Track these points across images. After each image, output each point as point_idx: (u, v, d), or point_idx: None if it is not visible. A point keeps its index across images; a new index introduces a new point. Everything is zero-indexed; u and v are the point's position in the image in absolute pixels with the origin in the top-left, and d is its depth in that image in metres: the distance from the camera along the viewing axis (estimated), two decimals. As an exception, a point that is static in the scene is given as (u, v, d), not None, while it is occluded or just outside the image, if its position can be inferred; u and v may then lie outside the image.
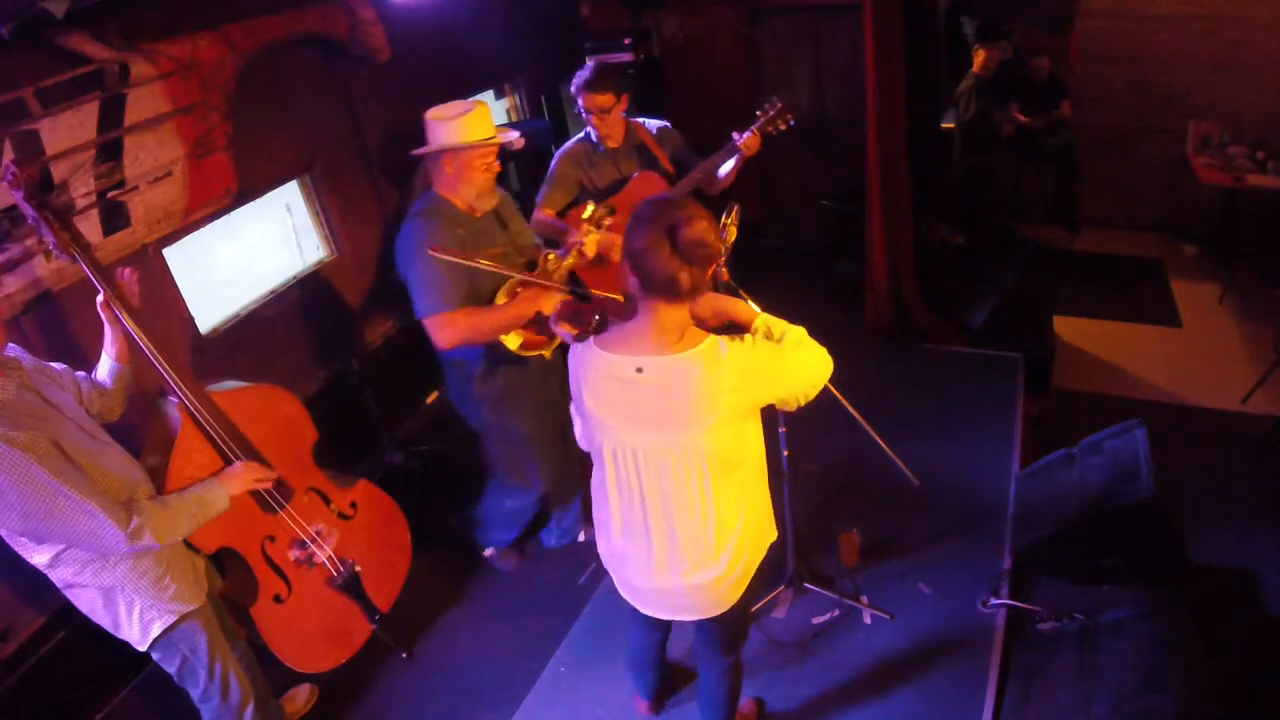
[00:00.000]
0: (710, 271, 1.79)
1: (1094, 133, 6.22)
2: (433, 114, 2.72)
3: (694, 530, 1.92)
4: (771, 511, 2.11)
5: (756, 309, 2.04)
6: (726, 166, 3.40)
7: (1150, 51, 5.88)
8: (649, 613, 2.14)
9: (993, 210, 6.04)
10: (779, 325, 1.99)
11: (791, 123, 3.30)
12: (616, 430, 1.88)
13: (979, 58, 5.75)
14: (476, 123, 2.66)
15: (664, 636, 2.52)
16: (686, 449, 1.84)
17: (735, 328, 2.00)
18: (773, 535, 2.12)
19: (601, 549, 2.13)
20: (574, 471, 3.29)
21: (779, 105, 3.27)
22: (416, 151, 2.75)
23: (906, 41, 4.35)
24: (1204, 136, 5.83)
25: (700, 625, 2.19)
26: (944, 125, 6.19)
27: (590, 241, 2.89)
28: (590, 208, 2.97)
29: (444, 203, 2.77)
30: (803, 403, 1.96)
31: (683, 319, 1.80)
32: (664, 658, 2.62)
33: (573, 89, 3.29)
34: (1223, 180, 5.52)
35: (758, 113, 3.28)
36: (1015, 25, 6.09)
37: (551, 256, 2.88)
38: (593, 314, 1.98)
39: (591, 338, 1.89)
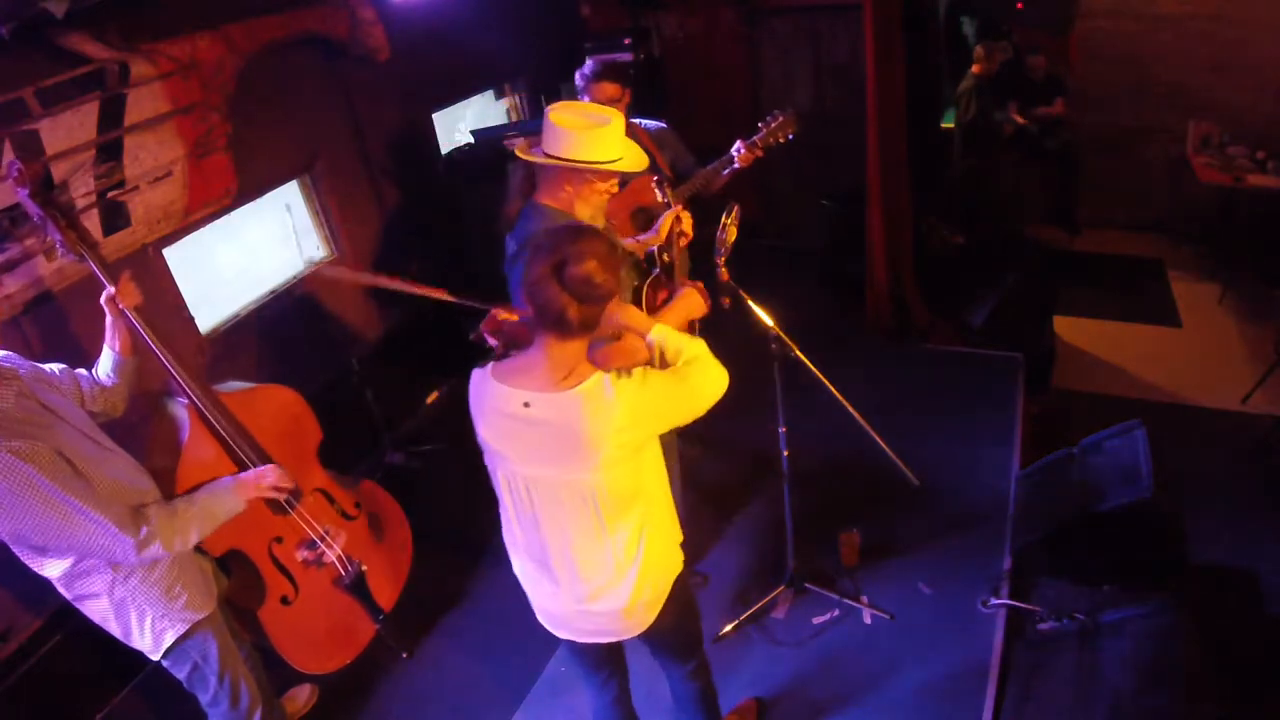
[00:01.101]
0: (605, 307, 1.73)
1: (1094, 133, 6.21)
2: (558, 117, 2.23)
3: (592, 560, 1.90)
4: (676, 537, 2.05)
5: (651, 322, 1.96)
6: (723, 174, 3.39)
7: (1150, 51, 5.87)
8: (562, 635, 2.09)
9: (993, 210, 6.04)
10: (675, 339, 1.92)
11: (791, 136, 3.27)
12: (508, 461, 1.86)
13: (980, 57, 5.75)
14: (608, 140, 2.25)
15: (621, 689, 2.34)
16: (577, 485, 1.80)
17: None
18: (678, 560, 2.05)
19: (516, 570, 2.09)
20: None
21: (779, 119, 3.24)
22: (536, 159, 2.30)
23: (906, 41, 4.35)
24: (1204, 136, 5.82)
25: (644, 640, 2.14)
26: (944, 125, 6.19)
27: (686, 219, 2.72)
28: (658, 189, 2.93)
29: (565, 218, 2.39)
30: (691, 419, 1.89)
31: (574, 355, 1.75)
32: (632, 715, 2.41)
33: (578, 82, 3.26)
34: (1223, 180, 5.51)
35: (759, 124, 3.27)
36: (1015, 25, 6.09)
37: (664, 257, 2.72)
38: (504, 332, 1.92)
39: (490, 365, 1.85)
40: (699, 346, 1.92)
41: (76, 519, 1.91)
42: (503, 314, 1.96)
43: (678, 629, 2.13)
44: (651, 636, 2.07)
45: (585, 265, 1.64)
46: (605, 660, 2.25)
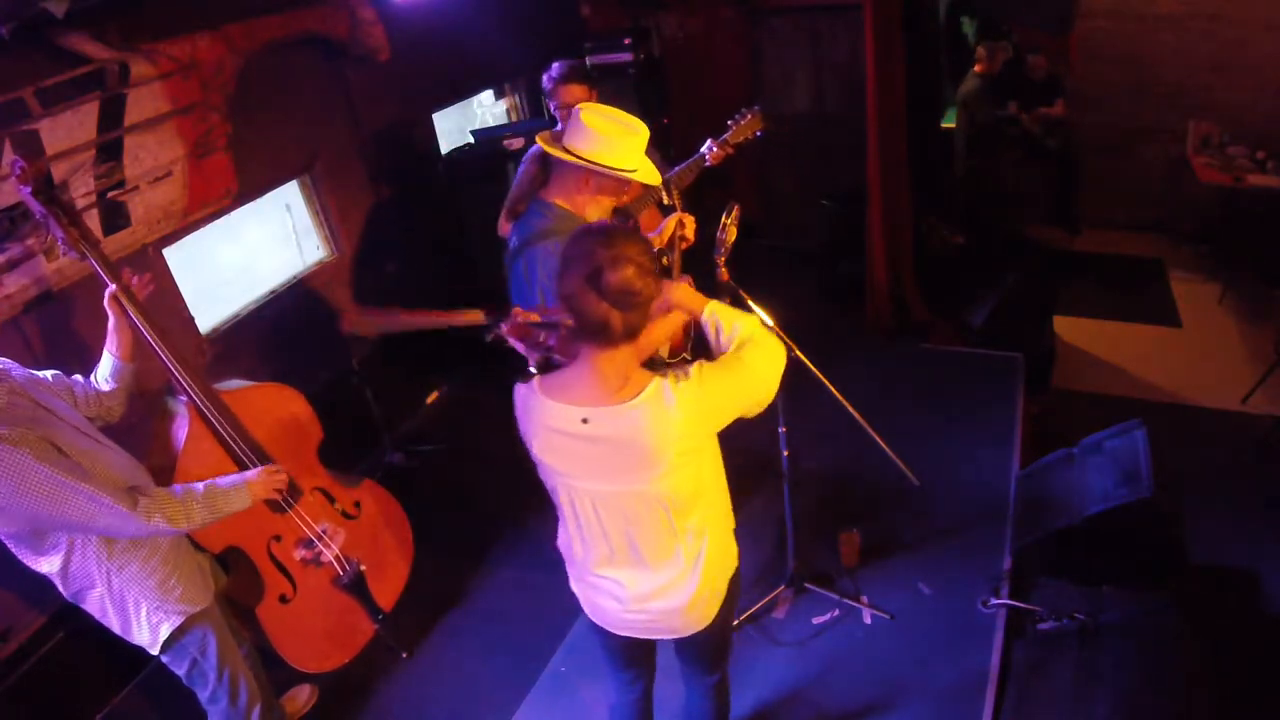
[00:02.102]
0: (650, 310, 1.66)
1: (1094, 133, 6.21)
2: (590, 119, 2.21)
3: (662, 559, 1.87)
4: (732, 528, 2.03)
5: (704, 300, 1.91)
6: (694, 172, 3.37)
7: (1150, 51, 5.87)
8: (622, 634, 2.06)
9: (993, 210, 6.04)
10: (729, 317, 1.84)
11: (760, 134, 3.26)
12: (569, 477, 1.80)
13: (982, 57, 5.75)
14: (633, 149, 2.27)
15: (645, 690, 2.34)
16: (644, 495, 1.76)
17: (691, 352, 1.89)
18: (735, 553, 2.04)
19: (571, 577, 2.07)
20: None
21: (748, 116, 3.23)
22: (559, 154, 2.27)
23: (906, 41, 4.35)
24: (1204, 136, 5.83)
25: (679, 645, 2.14)
26: (944, 125, 6.20)
27: (688, 222, 2.70)
28: (663, 190, 2.90)
29: (573, 219, 2.39)
30: (762, 409, 1.82)
31: (625, 363, 1.68)
32: (650, 716, 2.41)
33: (545, 84, 3.21)
34: (1223, 180, 5.52)
35: (729, 122, 3.25)
36: (1015, 25, 6.10)
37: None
38: (540, 339, 1.85)
39: (536, 380, 1.77)
40: (754, 323, 1.84)
41: (69, 495, 1.91)
42: (523, 315, 1.93)
43: (723, 629, 2.10)
44: (702, 633, 2.03)
45: (623, 272, 1.55)
46: (636, 660, 2.25)
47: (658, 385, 1.67)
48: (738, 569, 2.05)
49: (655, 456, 1.69)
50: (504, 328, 1.92)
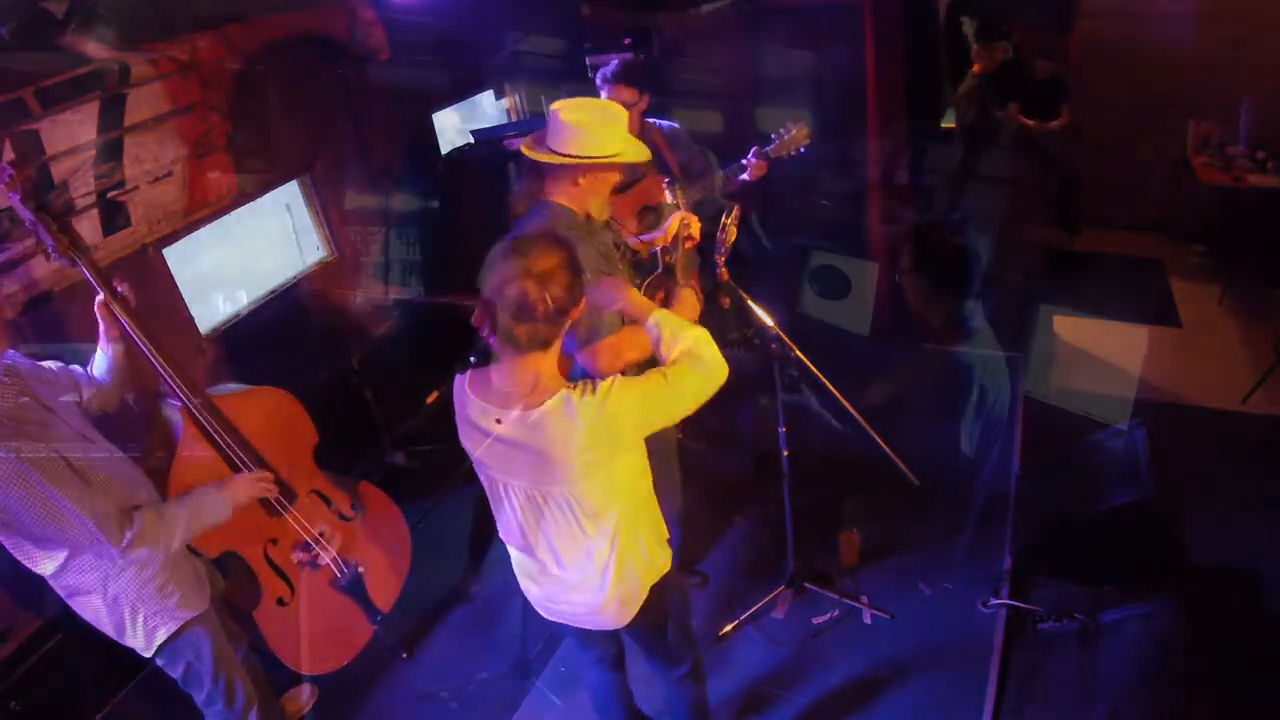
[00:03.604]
0: (571, 320, 1.71)
1: (1094, 133, 6.21)
2: (569, 116, 2.21)
3: (573, 557, 1.92)
4: (658, 534, 2.04)
5: (651, 307, 1.94)
6: (733, 180, 3.38)
7: (1150, 51, 5.87)
8: (548, 617, 2.14)
9: (992, 210, 6.03)
10: (671, 327, 1.88)
11: (804, 149, 3.27)
12: (489, 469, 1.89)
13: (980, 56, 5.73)
14: (609, 135, 2.25)
15: (614, 667, 2.39)
16: (553, 495, 1.82)
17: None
18: (662, 559, 2.04)
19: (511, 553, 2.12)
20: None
21: (793, 130, 3.24)
22: (540, 157, 2.27)
23: (906, 41, 4.35)
24: (1204, 136, 5.82)
25: (628, 639, 2.17)
26: (944, 126, 6.19)
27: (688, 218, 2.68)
28: (668, 190, 2.94)
29: (571, 215, 2.37)
30: (679, 420, 1.89)
31: (534, 371, 1.72)
32: (629, 700, 2.48)
33: (598, 80, 3.23)
34: (1223, 180, 5.51)
35: (773, 135, 3.26)
36: (1015, 25, 6.09)
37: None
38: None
39: (469, 373, 1.84)
40: (698, 337, 1.87)
41: (68, 520, 1.93)
42: None
43: (658, 629, 2.12)
44: (634, 633, 2.08)
45: (521, 285, 1.60)
46: (594, 640, 2.29)
47: (562, 397, 1.71)
48: (669, 572, 2.06)
49: (557, 464, 1.75)
50: (475, 319, 1.94)
